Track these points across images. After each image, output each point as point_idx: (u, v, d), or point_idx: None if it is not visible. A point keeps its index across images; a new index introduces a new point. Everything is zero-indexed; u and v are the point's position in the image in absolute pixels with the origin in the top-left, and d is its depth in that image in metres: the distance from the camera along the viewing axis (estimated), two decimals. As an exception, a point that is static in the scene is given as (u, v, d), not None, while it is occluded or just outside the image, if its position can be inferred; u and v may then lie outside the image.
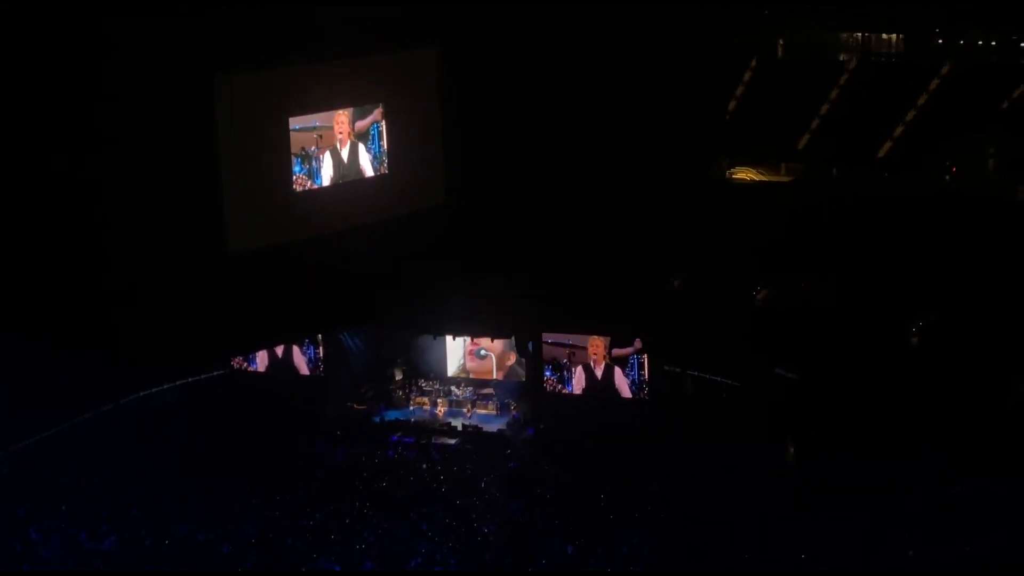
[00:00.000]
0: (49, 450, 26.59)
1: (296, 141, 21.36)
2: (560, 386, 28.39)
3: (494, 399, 29.98)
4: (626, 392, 27.71)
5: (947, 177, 29.05)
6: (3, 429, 25.27)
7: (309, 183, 21.41)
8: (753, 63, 31.33)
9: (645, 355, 27.52)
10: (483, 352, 30.54)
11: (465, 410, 29.71)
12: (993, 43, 30.17)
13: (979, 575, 19.16)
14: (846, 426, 23.69)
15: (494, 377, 30.50)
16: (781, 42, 32.43)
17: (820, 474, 23.23)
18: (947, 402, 23.42)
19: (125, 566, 21.13)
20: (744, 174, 31.80)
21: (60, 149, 18.36)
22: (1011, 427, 23.00)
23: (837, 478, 22.64)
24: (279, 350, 29.92)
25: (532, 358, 28.85)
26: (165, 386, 29.42)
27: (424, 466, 26.56)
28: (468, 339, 30.49)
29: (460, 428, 28.87)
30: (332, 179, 21.75)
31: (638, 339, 27.32)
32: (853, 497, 21.98)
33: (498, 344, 30.21)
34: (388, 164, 22.55)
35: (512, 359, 30.18)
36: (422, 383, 30.73)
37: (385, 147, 22.53)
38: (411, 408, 30.38)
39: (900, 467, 22.31)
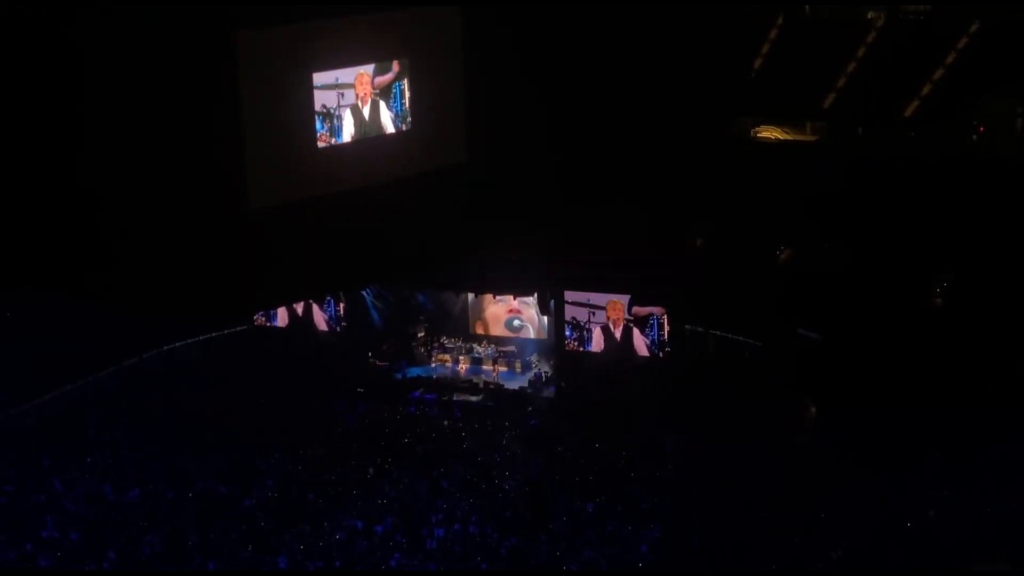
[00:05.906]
0: (73, 404, 26.83)
1: (317, 99, 21.33)
2: (579, 346, 28.39)
3: (517, 357, 30.01)
4: (644, 352, 27.73)
5: (974, 136, 28.72)
6: (28, 382, 25.51)
7: (332, 139, 21.40)
8: (780, 20, 30.95)
9: (665, 316, 27.52)
10: (517, 323, 30.47)
11: (491, 368, 29.78)
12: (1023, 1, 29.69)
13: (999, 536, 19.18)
14: (868, 387, 23.61)
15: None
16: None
17: (840, 435, 23.21)
18: (967, 364, 23.32)
19: (147, 518, 21.36)
20: (768, 133, 31.49)
21: (84, 104, 18.40)
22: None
23: (857, 439, 22.63)
24: (299, 307, 30.03)
25: (553, 316, 28.85)
26: (188, 341, 29.62)
27: (445, 423, 26.70)
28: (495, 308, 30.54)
29: (482, 385, 28.96)
30: (354, 136, 21.71)
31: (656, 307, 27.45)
32: (872, 458, 21.99)
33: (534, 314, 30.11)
34: (411, 121, 22.50)
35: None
36: (444, 340, 30.78)
37: (407, 105, 22.46)
38: (433, 365, 30.48)
39: (919, 428, 22.30)
